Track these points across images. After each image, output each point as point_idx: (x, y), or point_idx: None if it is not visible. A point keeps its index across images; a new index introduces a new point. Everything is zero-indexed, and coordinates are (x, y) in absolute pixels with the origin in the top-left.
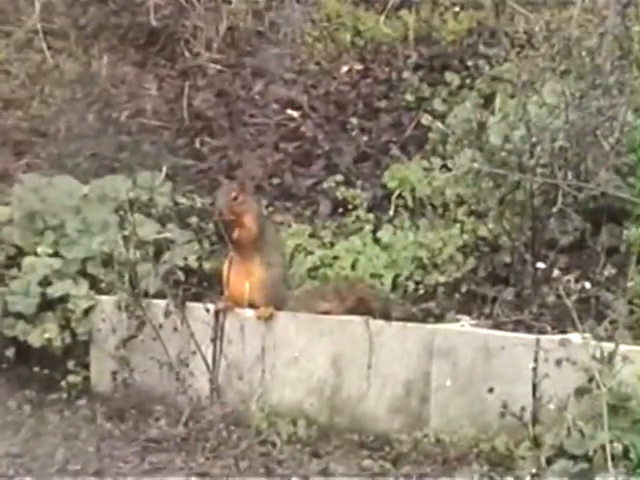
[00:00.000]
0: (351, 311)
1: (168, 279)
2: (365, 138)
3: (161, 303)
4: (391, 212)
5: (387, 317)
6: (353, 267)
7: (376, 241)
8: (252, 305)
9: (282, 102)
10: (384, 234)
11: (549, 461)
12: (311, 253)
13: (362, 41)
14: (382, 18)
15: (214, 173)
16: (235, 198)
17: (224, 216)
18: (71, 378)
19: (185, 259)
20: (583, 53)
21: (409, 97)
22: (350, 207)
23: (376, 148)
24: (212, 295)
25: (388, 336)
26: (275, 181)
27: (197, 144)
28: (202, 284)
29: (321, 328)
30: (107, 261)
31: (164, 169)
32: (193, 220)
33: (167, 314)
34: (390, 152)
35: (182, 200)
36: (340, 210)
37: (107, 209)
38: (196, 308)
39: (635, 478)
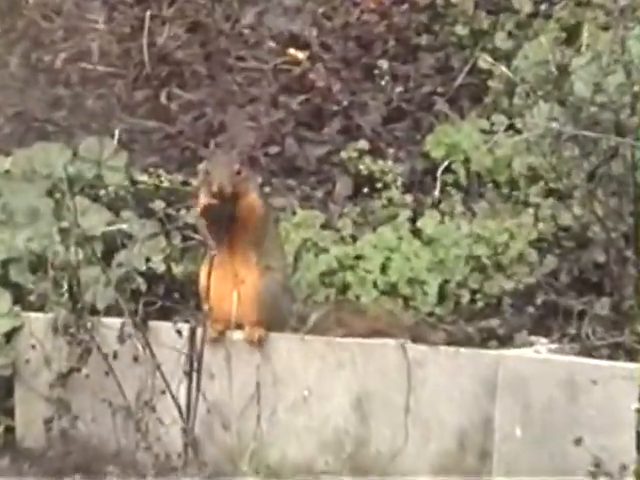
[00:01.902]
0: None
1: (124, 289)
2: (399, 89)
3: (114, 323)
4: (436, 192)
5: (432, 340)
6: (383, 270)
7: (416, 233)
8: (241, 325)
9: (282, 39)
10: (427, 223)
11: None
12: (325, 251)
13: None
14: None
15: (187, 139)
16: (238, 172)
17: (224, 194)
18: None
19: (148, 260)
20: None
21: (461, 30)
22: (379, 186)
23: (414, 103)
24: (186, 311)
25: (433, 367)
26: (273, 150)
27: (163, 99)
28: (171, 295)
29: (339, 356)
30: (37, 264)
31: (116, 134)
32: (158, 206)
33: (123, 338)
34: (434, 108)
35: (142, 177)
36: (365, 190)
37: (36, 191)
38: (164, 329)
39: None
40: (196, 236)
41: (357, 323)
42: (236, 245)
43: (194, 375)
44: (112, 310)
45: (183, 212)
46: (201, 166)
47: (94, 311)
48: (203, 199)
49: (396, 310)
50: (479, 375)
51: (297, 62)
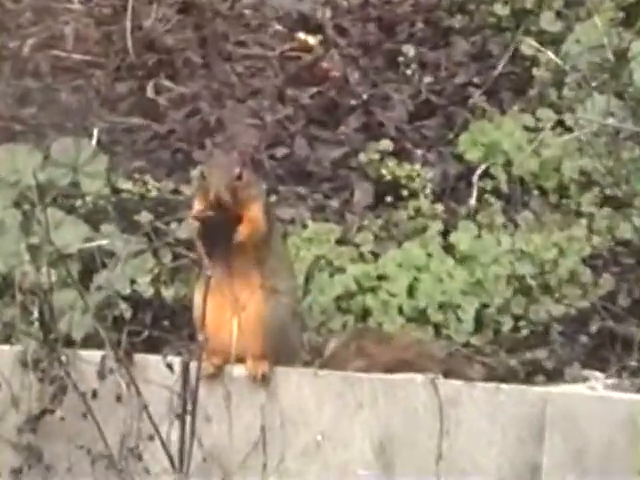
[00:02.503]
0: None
1: (104, 316)
2: (428, 79)
3: (94, 356)
4: (472, 201)
5: (466, 375)
6: (410, 293)
7: (449, 249)
8: (242, 358)
9: (290, 21)
10: (462, 238)
11: None
12: (341, 270)
13: None
14: None
15: (178, 140)
16: (239, 177)
17: (222, 204)
18: None
19: (132, 282)
20: None
21: (500, 9)
22: (405, 194)
23: (446, 95)
24: (177, 342)
25: (469, 406)
26: (280, 152)
27: (149, 92)
28: (161, 323)
29: (358, 394)
30: (2, 287)
31: (95, 134)
32: (145, 218)
33: (104, 374)
34: (470, 101)
35: (126, 185)
36: (388, 199)
37: (1, 201)
38: (152, 363)
39: None
40: (189, 254)
41: (379, 355)
42: (236, 264)
43: (187, 417)
44: (91, 341)
45: (174, 226)
46: (195, 171)
47: (69, 342)
48: (197, 210)
49: (425, 340)
50: (523, 415)
51: (307, 48)
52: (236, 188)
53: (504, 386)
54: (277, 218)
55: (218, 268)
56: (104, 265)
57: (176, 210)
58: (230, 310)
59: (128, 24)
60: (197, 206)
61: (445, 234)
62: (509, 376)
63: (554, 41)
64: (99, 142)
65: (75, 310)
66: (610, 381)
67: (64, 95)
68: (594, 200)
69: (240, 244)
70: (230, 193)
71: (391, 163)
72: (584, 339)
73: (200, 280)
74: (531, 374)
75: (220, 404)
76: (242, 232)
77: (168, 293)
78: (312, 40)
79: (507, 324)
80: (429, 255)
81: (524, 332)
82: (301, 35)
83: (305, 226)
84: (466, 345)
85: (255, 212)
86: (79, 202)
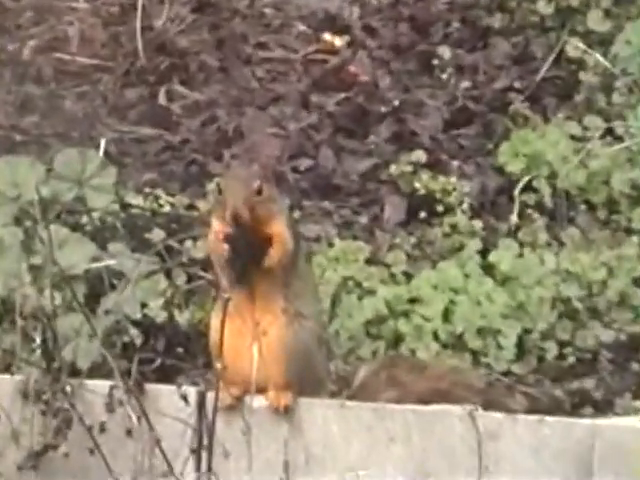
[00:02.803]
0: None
1: (113, 343)
2: (465, 84)
3: (101, 386)
4: (514, 217)
5: (507, 406)
6: (446, 317)
7: (488, 270)
8: (264, 388)
9: (314, 20)
10: (502, 257)
11: None
12: (371, 292)
13: None
14: None
15: (193, 151)
16: (259, 191)
17: (240, 221)
18: None
19: (144, 306)
20: None
21: (544, 8)
22: (440, 209)
23: (485, 101)
24: (193, 371)
25: (510, 440)
26: (304, 163)
27: (161, 99)
28: (174, 351)
29: (390, 428)
30: (1, 311)
31: (102, 144)
32: (157, 236)
33: (112, 406)
34: (510, 108)
35: (136, 200)
36: (422, 215)
37: (1, 217)
38: (165, 394)
39: None
40: (205, 275)
41: (413, 385)
42: (257, 286)
43: (204, 453)
44: (98, 370)
45: (188, 244)
46: (211, 185)
47: (75, 372)
48: (214, 227)
49: (462, 368)
50: (570, 451)
51: (334, 50)
52: (255, 204)
53: (549, 419)
54: (301, 236)
55: (237, 291)
56: (112, 287)
57: (191, 227)
58: (250, 336)
59: (138, 24)
60: (214, 226)
61: (484, 253)
62: (554, 408)
63: (602, 42)
64: (107, 153)
65: (81, 336)
66: None
67: (68, 102)
68: None
69: (262, 261)
70: (249, 209)
71: (425, 176)
72: (636, 367)
73: (217, 303)
74: (578, 405)
75: (239, 438)
76: (272, 256)
77: (182, 318)
78: (339, 41)
79: (552, 351)
80: (466, 276)
81: (570, 360)
82: (327, 36)
83: (331, 244)
84: (507, 374)
85: (283, 232)
86: (85, 218)
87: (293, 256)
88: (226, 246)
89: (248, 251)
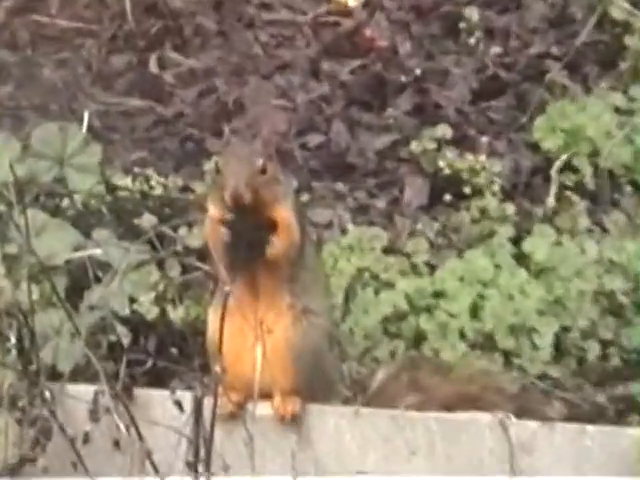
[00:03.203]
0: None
1: (98, 342)
2: (496, 49)
3: (85, 391)
4: (551, 200)
5: (543, 414)
6: (474, 313)
7: (521, 259)
8: (268, 394)
9: None
10: (537, 245)
11: None
12: (389, 285)
13: None
14: None
15: (188, 125)
16: (263, 170)
17: (241, 204)
18: None
19: (133, 301)
20: None
21: None
22: (468, 191)
23: (518, 69)
24: (188, 374)
25: (547, 451)
26: (313, 140)
27: (152, 66)
28: (167, 351)
29: (410, 437)
30: None
31: (86, 118)
32: (148, 222)
33: (97, 414)
34: (547, 77)
35: (124, 182)
36: (447, 197)
37: None
38: (156, 400)
39: None
40: (202, 266)
41: (436, 389)
42: (260, 279)
43: (200, 466)
44: (81, 374)
45: (183, 231)
46: (210, 164)
47: (55, 375)
48: (212, 212)
49: (493, 371)
50: (614, 462)
51: (347, 12)
52: (259, 184)
53: (590, 428)
54: (310, 222)
55: (238, 284)
56: (97, 280)
57: (186, 212)
58: (253, 335)
59: None
60: (212, 210)
61: (517, 241)
62: (596, 415)
63: None
64: (90, 128)
65: (62, 335)
66: None
67: (47, 70)
68: None
69: (266, 251)
70: (251, 190)
71: (450, 153)
72: None
73: (216, 298)
74: (623, 412)
75: (241, 450)
76: (277, 244)
77: (176, 314)
78: (353, 1)
79: (593, 351)
80: (497, 267)
81: (614, 361)
82: None
83: (345, 231)
84: (543, 377)
85: (288, 217)
86: (66, 202)
87: (300, 245)
88: (225, 230)
89: (249, 238)
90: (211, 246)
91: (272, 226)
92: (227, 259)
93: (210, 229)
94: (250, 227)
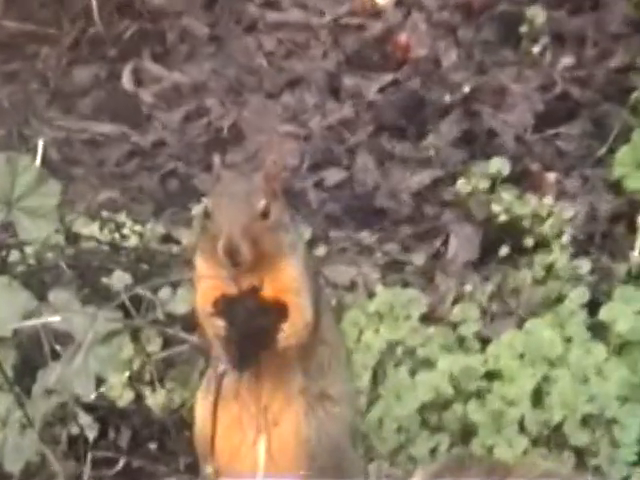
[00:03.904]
0: None
1: (56, 436)
2: (567, 60)
3: None
4: (636, 254)
5: None
6: (538, 399)
7: (598, 331)
8: None
9: None
10: (619, 313)
11: None
12: (429, 364)
13: None
14: None
15: (171, 157)
16: (264, 214)
17: (238, 260)
18: None
19: (100, 383)
20: None
21: None
22: (530, 243)
23: (595, 86)
24: (170, 476)
25: None
26: (333, 177)
27: (126, 80)
28: (144, 447)
29: None
30: None
31: (40, 147)
32: (119, 281)
33: None
34: (632, 96)
35: (89, 230)
36: (503, 252)
37: None
38: None
39: None
40: (189, 338)
41: None
42: (264, 357)
43: None
44: (34, 475)
45: (165, 294)
46: (198, 207)
47: (2, 477)
48: (201, 268)
49: (562, 474)
50: None
51: (375, 12)
52: (260, 232)
53: None
54: (327, 282)
55: (238, 367)
56: (55, 355)
57: (168, 269)
58: (254, 428)
59: None
60: (201, 266)
61: (593, 308)
62: None
63: None
64: (47, 161)
65: (10, 426)
66: None
67: None
68: None
69: (269, 322)
70: (252, 241)
71: (507, 195)
72: None
73: (207, 380)
74: None
75: None
76: (289, 334)
77: (155, 400)
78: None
79: None
80: (567, 340)
81: None
82: None
83: (372, 294)
84: None
85: (291, 269)
86: (15, 255)
87: (312, 313)
88: (221, 324)
89: (254, 328)
90: (203, 319)
91: (279, 304)
92: (215, 333)
93: (202, 307)
94: (254, 313)
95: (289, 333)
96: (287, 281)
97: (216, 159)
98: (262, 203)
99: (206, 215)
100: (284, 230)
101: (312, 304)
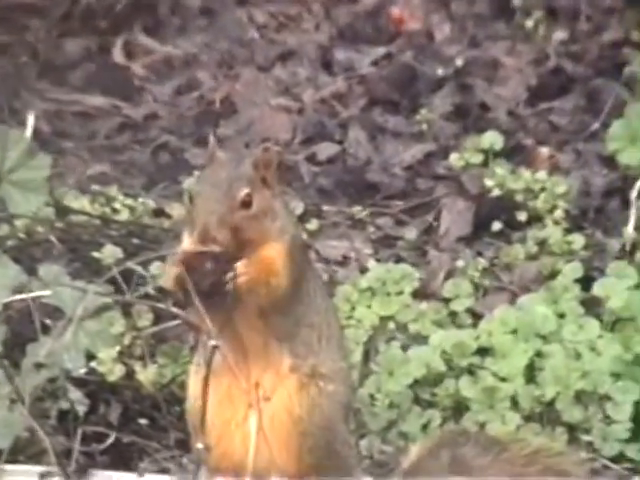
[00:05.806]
0: None
1: (45, 411)
2: (560, 34)
3: (29, 472)
4: (630, 230)
5: None
6: (531, 376)
7: (591, 306)
8: (265, 478)
9: None
10: (612, 288)
11: None
12: (421, 339)
13: None
14: None
15: (162, 131)
16: (245, 204)
17: (217, 245)
18: None
19: (91, 358)
20: None
21: None
22: (523, 218)
23: (588, 61)
24: (162, 452)
25: None
26: (324, 150)
27: (117, 54)
28: (134, 422)
29: None
30: None
31: (31, 120)
32: (110, 255)
33: None
34: (626, 70)
35: (80, 203)
36: (496, 226)
37: None
38: None
39: None
40: (180, 313)
41: (484, 472)
42: (250, 334)
43: None
44: (24, 450)
45: (156, 268)
46: (189, 181)
47: None
48: (185, 245)
49: (555, 449)
50: None
51: None
52: (239, 222)
53: None
54: (318, 258)
55: (226, 339)
56: (45, 330)
57: (159, 243)
58: (245, 404)
59: None
60: (185, 243)
61: (586, 283)
62: None
63: None
64: (37, 134)
65: None
66: None
67: None
68: None
69: (257, 299)
70: (230, 230)
71: (501, 169)
72: None
73: (199, 355)
74: None
75: None
76: (240, 272)
77: (146, 375)
78: None
79: None
80: (560, 316)
81: None
82: None
83: (364, 269)
84: (618, 459)
85: (275, 251)
86: (5, 229)
87: (293, 289)
88: (176, 270)
89: (227, 283)
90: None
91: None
92: (204, 307)
93: (166, 276)
94: (224, 268)
95: (241, 271)
96: (261, 247)
97: (211, 138)
98: (244, 193)
99: (190, 199)
100: (271, 218)
101: (287, 265)
